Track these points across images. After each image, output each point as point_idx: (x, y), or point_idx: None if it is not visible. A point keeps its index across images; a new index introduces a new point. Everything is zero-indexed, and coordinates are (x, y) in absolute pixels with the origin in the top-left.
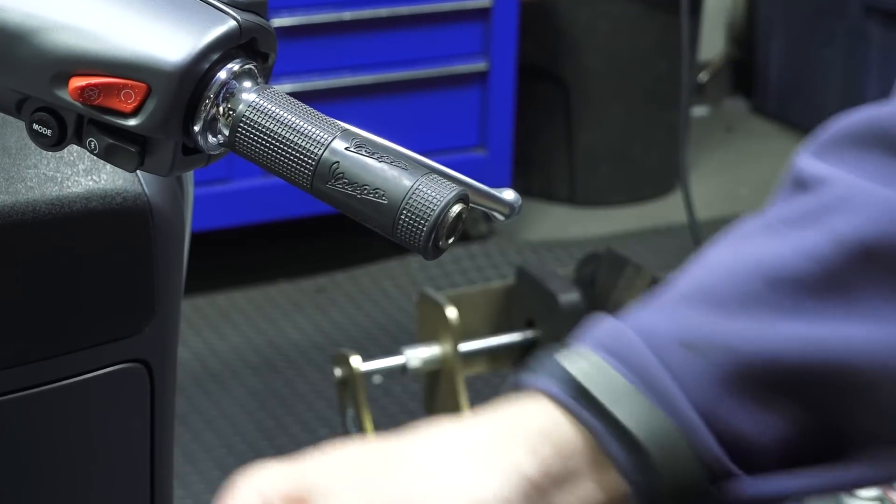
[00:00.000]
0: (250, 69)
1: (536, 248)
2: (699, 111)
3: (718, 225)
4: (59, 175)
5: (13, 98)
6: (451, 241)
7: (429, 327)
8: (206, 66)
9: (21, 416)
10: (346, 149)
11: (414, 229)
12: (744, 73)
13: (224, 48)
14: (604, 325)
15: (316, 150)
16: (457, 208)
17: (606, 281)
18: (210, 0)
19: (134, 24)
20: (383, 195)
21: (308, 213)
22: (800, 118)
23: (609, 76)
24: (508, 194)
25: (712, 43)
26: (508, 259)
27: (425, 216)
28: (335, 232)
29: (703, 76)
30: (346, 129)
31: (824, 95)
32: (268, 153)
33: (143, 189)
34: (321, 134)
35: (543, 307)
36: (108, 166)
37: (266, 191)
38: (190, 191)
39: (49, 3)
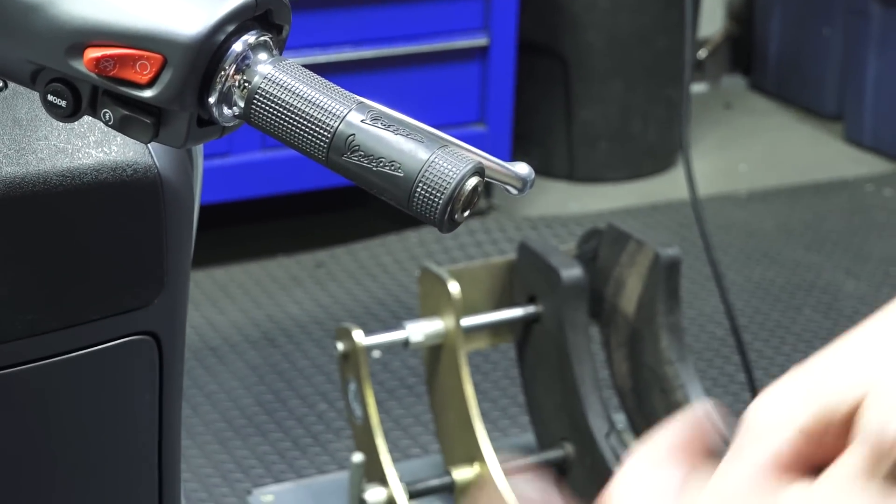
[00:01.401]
0: (265, 41)
1: (535, 223)
2: (698, 88)
3: (718, 201)
4: (69, 147)
5: (28, 69)
6: (466, 214)
7: (430, 302)
8: (222, 37)
9: (31, 387)
10: (361, 121)
11: (430, 202)
12: (742, 49)
13: (240, 20)
14: None
15: (332, 123)
16: (473, 181)
17: (608, 257)
18: None
19: None
20: (399, 168)
21: (307, 187)
22: (798, 95)
23: (609, 52)
24: (521, 168)
25: (712, 20)
26: (508, 235)
27: (442, 189)
28: (334, 207)
29: (702, 53)
30: (361, 102)
31: (823, 73)
32: (283, 125)
33: (154, 161)
34: (337, 106)
35: (545, 283)
36: (119, 138)
37: (265, 165)
38: (199, 163)
39: None
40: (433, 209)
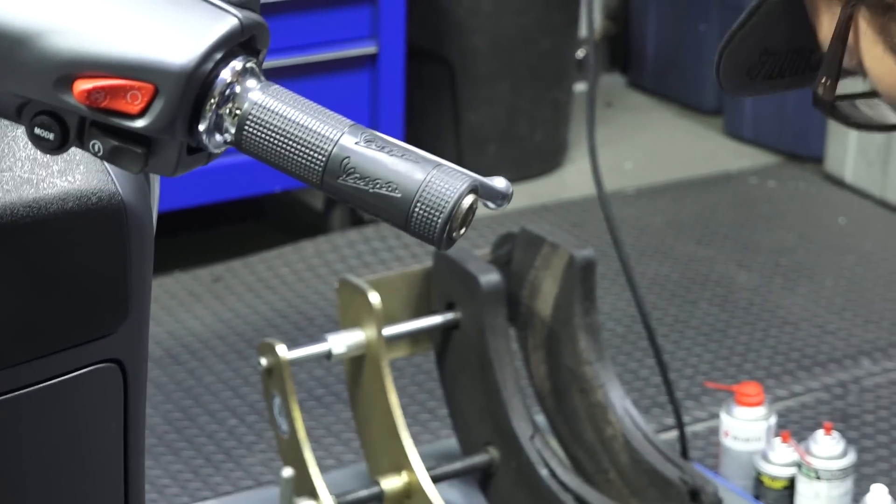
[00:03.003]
0: (252, 67)
1: None
2: (578, 87)
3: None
4: (34, 177)
5: (14, 102)
6: (462, 231)
7: (350, 313)
8: (211, 65)
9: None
10: (356, 144)
11: (428, 222)
12: (620, 48)
13: (227, 46)
14: None
15: (325, 146)
16: (469, 199)
17: (522, 260)
18: None
19: (138, 25)
20: (396, 188)
21: (200, 202)
22: (677, 91)
23: (493, 55)
24: (500, 182)
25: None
26: (403, 241)
27: (440, 208)
28: (229, 220)
29: (581, 52)
30: (353, 125)
31: (700, 68)
32: (276, 150)
33: (117, 188)
34: (329, 130)
35: (463, 289)
36: (82, 166)
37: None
38: (156, 188)
39: (50, 5)
40: (432, 228)
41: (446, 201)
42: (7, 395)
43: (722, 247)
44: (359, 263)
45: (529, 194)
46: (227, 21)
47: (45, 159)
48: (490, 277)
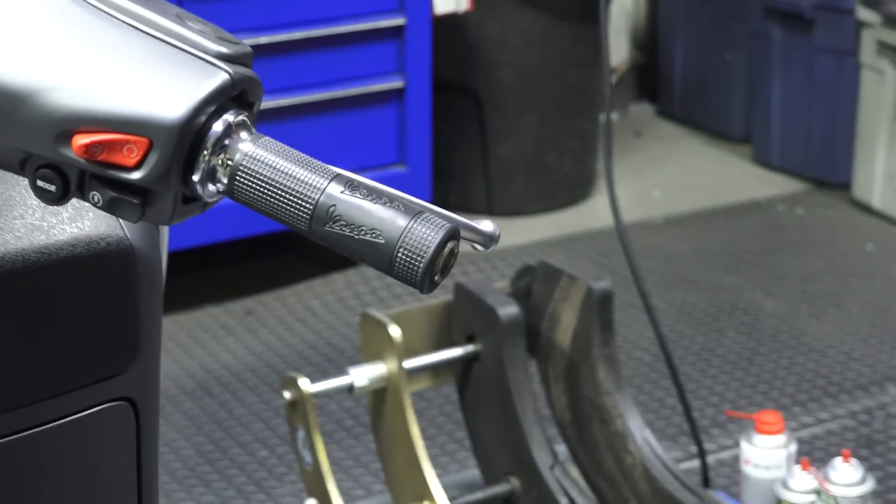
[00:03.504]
0: (243, 120)
1: (459, 261)
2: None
3: (635, 228)
4: (45, 224)
5: (17, 156)
6: (445, 275)
7: (372, 346)
8: (204, 118)
9: (13, 458)
10: (341, 192)
11: (411, 266)
12: (649, 77)
13: (219, 101)
14: None
15: (313, 195)
16: (450, 245)
17: (542, 293)
18: (202, 55)
19: (133, 81)
20: (380, 235)
21: (232, 237)
22: (706, 120)
23: (521, 87)
24: (487, 225)
25: (617, 49)
26: None
27: (422, 253)
28: (260, 254)
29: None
30: (339, 174)
31: (728, 96)
32: (266, 199)
33: (125, 233)
34: (317, 179)
35: (483, 321)
36: (92, 212)
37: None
38: (164, 229)
39: (49, 64)
40: (414, 273)
41: (427, 247)
42: (22, 434)
43: (749, 274)
44: (389, 295)
45: (557, 224)
46: (218, 77)
47: (56, 207)
48: (509, 310)
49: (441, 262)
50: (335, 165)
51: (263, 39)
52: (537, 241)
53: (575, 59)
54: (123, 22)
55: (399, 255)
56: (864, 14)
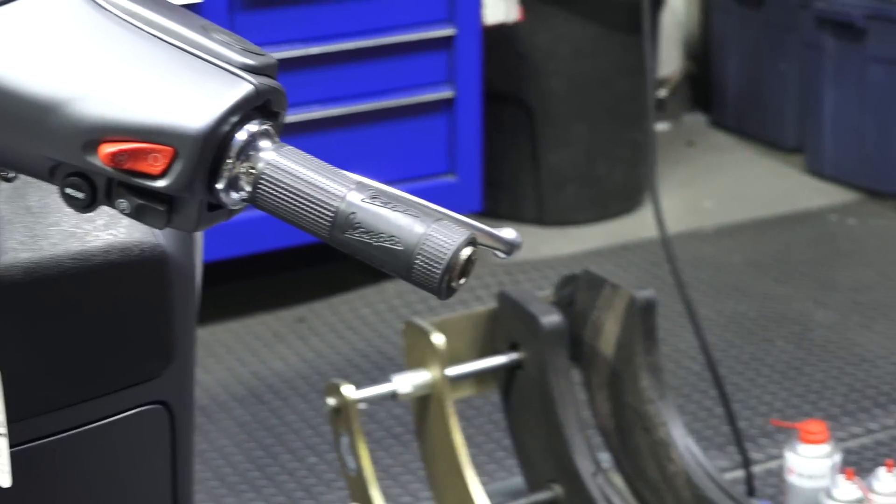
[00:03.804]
0: (266, 129)
1: (509, 269)
2: (660, 127)
3: (685, 238)
4: (79, 231)
5: (46, 165)
6: (462, 281)
7: (416, 353)
8: (227, 128)
9: (50, 460)
10: (361, 200)
11: (428, 273)
12: (701, 87)
13: (242, 111)
14: None
15: (333, 203)
16: (467, 251)
17: (585, 301)
18: (226, 66)
19: (158, 91)
20: (398, 242)
21: (284, 245)
22: (759, 130)
23: (572, 97)
24: (508, 233)
25: (669, 59)
26: (483, 282)
27: (439, 260)
28: (312, 262)
29: (663, 92)
30: (360, 182)
31: (782, 106)
32: (288, 207)
33: (159, 240)
34: (337, 187)
35: (526, 330)
36: (126, 220)
37: (242, 225)
38: (199, 236)
39: (77, 74)
40: (432, 279)
41: (444, 254)
42: (58, 436)
43: (799, 284)
44: (439, 304)
45: (609, 234)
46: (242, 87)
47: (91, 213)
48: (552, 318)
49: (458, 268)
50: (385, 175)
51: (315, 50)
52: (588, 250)
53: (626, 69)
54: (149, 33)
55: (417, 261)
56: None
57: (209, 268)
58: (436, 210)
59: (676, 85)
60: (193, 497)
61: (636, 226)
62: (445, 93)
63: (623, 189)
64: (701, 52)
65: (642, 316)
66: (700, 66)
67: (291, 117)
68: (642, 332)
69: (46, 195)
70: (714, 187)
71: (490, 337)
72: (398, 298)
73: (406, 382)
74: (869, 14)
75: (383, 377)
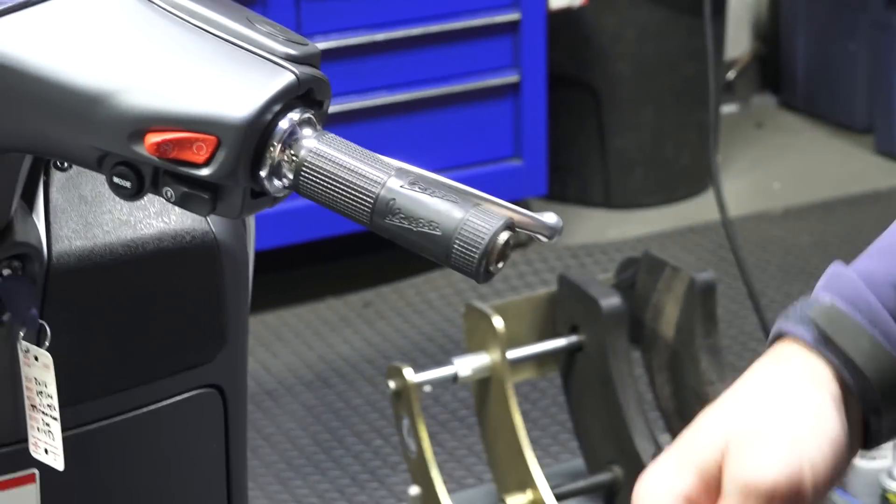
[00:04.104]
0: (309, 118)
1: (575, 252)
2: (728, 108)
3: (753, 220)
4: (132, 219)
5: (94, 155)
6: (500, 265)
7: (476, 337)
8: (269, 117)
9: (107, 443)
10: (401, 186)
11: (467, 257)
12: (771, 68)
13: (285, 100)
14: (837, 275)
15: (374, 189)
16: (504, 235)
17: (645, 284)
18: (269, 56)
19: (202, 82)
20: (437, 227)
21: (349, 230)
22: (828, 110)
23: (638, 80)
24: (550, 217)
25: (738, 40)
26: (549, 265)
27: (477, 244)
28: (379, 247)
29: (731, 74)
30: (400, 168)
31: (851, 87)
32: (329, 194)
33: (210, 227)
34: (377, 174)
35: (586, 312)
36: (178, 207)
37: (308, 211)
38: (251, 223)
39: (123, 66)
40: (470, 263)
41: (482, 238)
42: (113, 419)
43: None
44: (505, 287)
45: (676, 216)
46: (284, 77)
47: (143, 202)
48: (611, 301)
49: (496, 252)
50: (451, 160)
51: (380, 36)
52: (654, 233)
53: (692, 52)
54: (194, 25)
55: (456, 246)
56: None
57: (277, 254)
58: (476, 195)
59: (745, 66)
60: (247, 480)
61: (703, 208)
62: (511, 77)
63: (690, 172)
64: (770, 33)
65: (702, 298)
66: (769, 47)
67: (357, 104)
68: (702, 315)
69: (100, 184)
70: (783, 169)
71: (550, 320)
72: (464, 282)
73: (466, 365)
74: None
75: (448, 360)
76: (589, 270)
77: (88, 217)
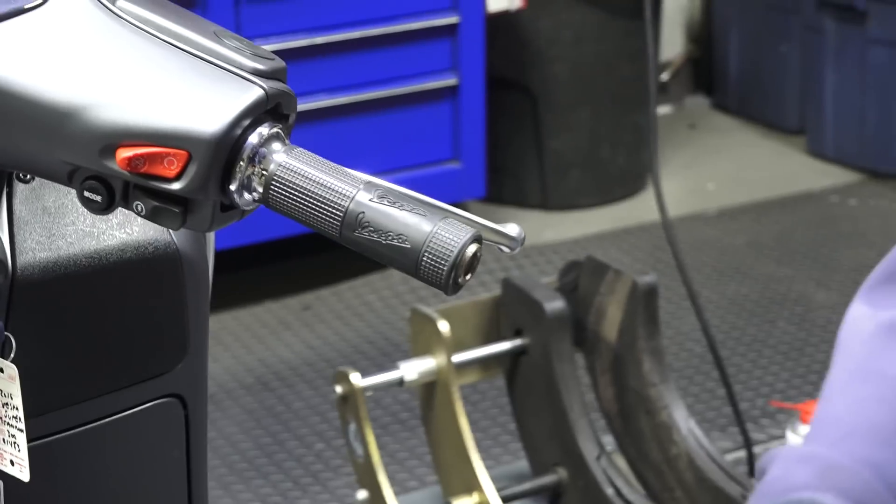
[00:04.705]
0: (277, 132)
1: (513, 255)
2: (663, 110)
3: (689, 221)
4: (95, 230)
5: (65, 169)
6: (468, 277)
7: (422, 341)
8: (239, 131)
9: (69, 453)
10: (370, 200)
11: (435, 269)
12: (703, 70)
13: (254, 115)
14: (840, 470)
15: (342, 203)
16: (472, 248)
17: (588, 287)
18: (238, 71)
19: (172, 97)
20: (406, 240)
21: (287, 234)
22: (760, 112)
23: (574, 82)
24: (512, 228)
25: (672, 43)
26: (488, 267)
27: (445, 257)
28: (317, 250)
29: (665, 76)
30: (368, 182)
31: (783, 89)
32: (299, 207)
33: (172, 238)
34: (346, 188)
35: (530, 316)
36: (140, 219)
37: None
38: (211, 234)
39: (94, 81)
40: (439, 275)
41: (450, 251)
42: (77, 429)
43: (801, 266)
44: None
45: (612, 218)
46: (253, 92)
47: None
48: (555, 304)
49: (464, 265)
50: (391, 163)
51: (320, 39)
52: (591, 234)
53: (628, 54)
54: (163, 40)
55: (424, 258)
56: None
57: (215, 257)
58: (442, 208)
59: (679, 68)
60: (207, 487)
61: (639, 209)
62: (450, 80)
63: (626, 173)
64: (703, 36)
65: (644, 301)
66: (702, 50)
67: (300, 106)
68: (644, 317)
69: (62, 196)
70: (716, 170)
71: (495, 323)
72: (403, 285)
73: (413, 369)
74: None
75: (389, 363)
76: (527, 272)
77: (52, 229)
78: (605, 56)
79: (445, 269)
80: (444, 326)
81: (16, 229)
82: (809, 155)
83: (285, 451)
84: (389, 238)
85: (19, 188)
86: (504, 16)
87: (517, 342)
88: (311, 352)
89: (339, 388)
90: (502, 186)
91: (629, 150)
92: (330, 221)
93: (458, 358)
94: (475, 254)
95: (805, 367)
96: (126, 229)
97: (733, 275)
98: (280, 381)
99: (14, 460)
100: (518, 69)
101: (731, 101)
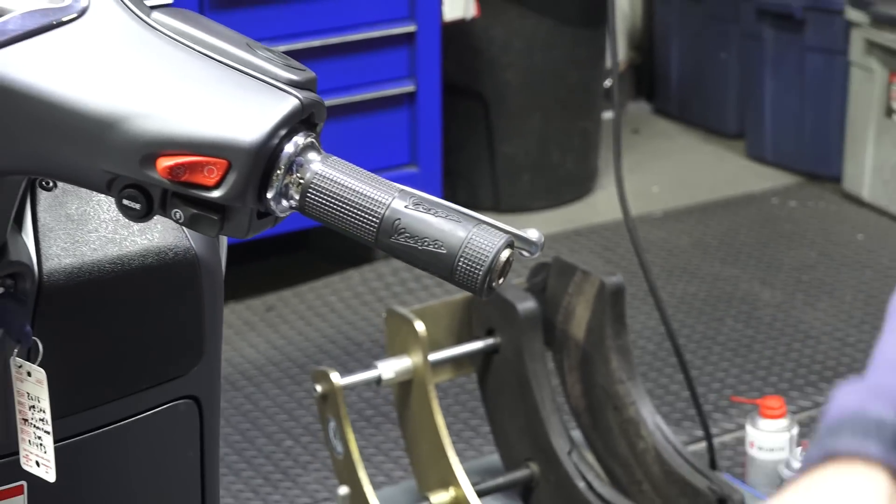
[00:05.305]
0: (312, 141)
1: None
2: (605, 115)
3: (635, 223)
4: (117, 237)
5: (104, 178)
6: (501, 281)
7: (398, 341)
8: (277, 141)
9: (89, 454)
10: (405, 207)
11: (471, 274)
12: (645, 76)
13: (290, 124)
14: (880, 386)
15: (379, 210)
16: (506, 253)
17: (556, 288)
18: (274, 81)
19: (211, 107)
20: (441, 245)
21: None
22: (701, 117)
23: (525, 89)
24: (532, 233)
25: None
26: None
27: (480, 262)
28: (280, 252)
29: (608, 82)
30: (403, 190)
31: (723, 95)
32: (336, 214)
33: (191, 243)
34: (382, 195)
35: (502, 316)
36: (160, 225)
37: None
38: (223, 240)
39: (135, 92)
40: (474, 280)
41: (486, 256)
42: (97, 431)
43: (746, 265)
44: (403, 290)
45: (563, 220)
46: (289, 102)
47: (127, 220)
48: (527, 304)
49: (499, 269)
50: None
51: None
52: (543, 235)
53: (577, 62)
54: (201, 53)
55: (460, 263)
56: (853, 14)
57: None
58: (473, 215)
59: (621, 75)
60: (219, 486)
61: (588, 211)
62: (407, 87)
63: (575, 177)
64: (645, 43)
65: (612, 301)
66: (644, 57)
67: None
68: (612, 317)
69: (84, 203)
70: (660, 173)
71: (467, 323)
72: (363, 286)
73: (390, 368)
74: (807, 5)
75: (352, 363)
76: None
77: (76, 235)
78: (556, 64)
79: (481, 273)
80: (420, 327)
81: (41, 236)
82: (749, 158)
83: (255, 448)
84: (425, 244)
85: (42, 196)
86: (459, 24)
87: (489, 341)
88: (276, 351)
89: (318, 387)
90: (455, 189)
91: (578, 155)
92: (366, 228)
93: (432, 357)
94: (508, 259)
95: (754, 364)
96: (147, 235)
97: (681, 275)
98: (247, 381)
99: (40, 461)
100: (471, 76)
101: (673, 107)
